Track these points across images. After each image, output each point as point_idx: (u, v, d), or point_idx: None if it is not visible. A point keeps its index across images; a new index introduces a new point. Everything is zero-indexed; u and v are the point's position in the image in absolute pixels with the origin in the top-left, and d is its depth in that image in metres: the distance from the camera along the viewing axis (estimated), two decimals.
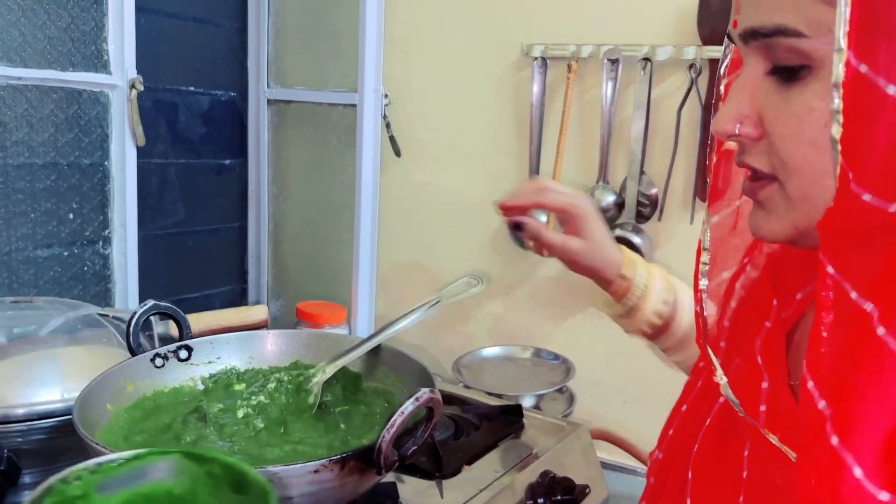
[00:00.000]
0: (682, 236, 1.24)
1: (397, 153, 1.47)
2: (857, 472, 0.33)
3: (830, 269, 0.36)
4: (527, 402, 1.18)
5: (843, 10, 0.33)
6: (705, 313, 0.53)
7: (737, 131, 0.42)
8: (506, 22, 1.35)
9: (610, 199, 1.27)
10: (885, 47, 0.33)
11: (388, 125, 1.47)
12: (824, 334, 0.37)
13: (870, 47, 0.33)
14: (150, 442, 0.73)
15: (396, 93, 1.47)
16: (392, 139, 1.47)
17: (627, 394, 1.31)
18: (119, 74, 1.30)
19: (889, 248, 0.35)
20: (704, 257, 0.53)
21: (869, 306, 0.34)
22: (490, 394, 1.15)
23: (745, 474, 0.44)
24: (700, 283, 0.53)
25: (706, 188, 0.57)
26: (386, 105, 1.46)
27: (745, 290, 0.53)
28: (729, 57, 0.49)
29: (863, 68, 0.33)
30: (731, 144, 0.48)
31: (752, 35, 0.40)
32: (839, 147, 0.34)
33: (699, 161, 1.19)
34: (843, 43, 0.33)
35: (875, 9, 0.33)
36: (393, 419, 0.61)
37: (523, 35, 1.33)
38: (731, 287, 0.54)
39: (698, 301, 0.53)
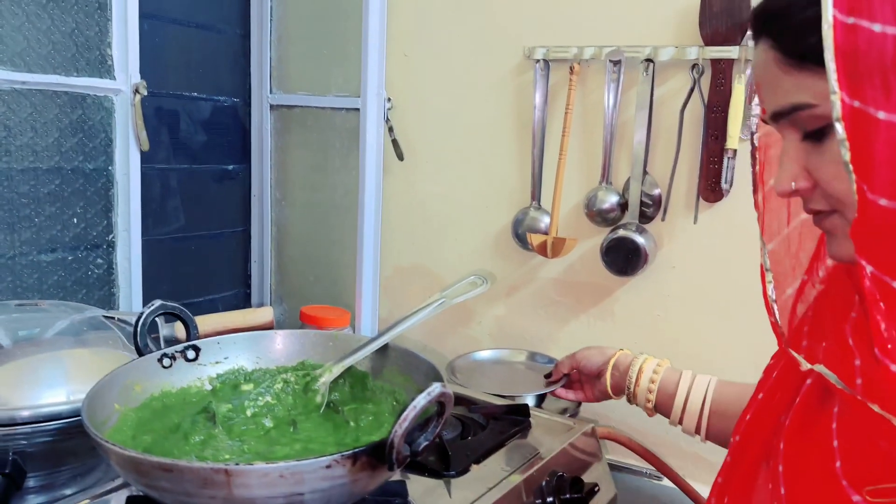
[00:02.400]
0: (686, 236, 1.24)
1: (400, 157, 1.48)
2: None
3: (869, 269, 0.45)
4: (528, 402, 1.17)
5: (831, 66, 0.43)
6: (780, 322, 0.61)
7: (794, 188, 0.52)
8: (507, 25, 1.36)
9: (613, 199, 1.27)
10: (869, 84, 0.43)
11: (390, 129, 1.47)
12: (882, 324, 0.45)
13: (858, 87, 0.43)
14: (158, 442, 0.73)
15: (399, 97, 1.48)
16: (395, 143, 1.47)
17: None
18: (123, 79, 1.30)
19: None
20: (769, 277, 0.61)
21: None
22: (495, 395, 1.15)
23: (835, 443, 0.50)
24: (769, 298, 0.61)
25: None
26: (388, 109, 1.47)
27: (820, 299, 0.62)
28: (757, 134, 0.60)
29: (856, 103, 0.43)
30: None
31: (777, 116, 0.51)
32: (851, 167, 0.44)
33: (702, 161, 1.20)
34: (836, 87, 0.43)
35: (854, 59, 0.43)
36: (405, 413, 0.61)
37: (525, 38, 1.33)
38: (796, 300, 0.63)
39: (770, 312, 0.60)
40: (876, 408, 0.46)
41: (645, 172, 1.23)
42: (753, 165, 0.59)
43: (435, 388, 0.62)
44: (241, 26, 1.57)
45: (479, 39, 1.39)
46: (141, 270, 1.38)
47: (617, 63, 1.22)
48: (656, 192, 1.24)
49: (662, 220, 1.25)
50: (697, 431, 0.92)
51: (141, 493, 0.69)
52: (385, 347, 0.87)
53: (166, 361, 0.83)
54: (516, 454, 0.95)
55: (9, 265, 1.21)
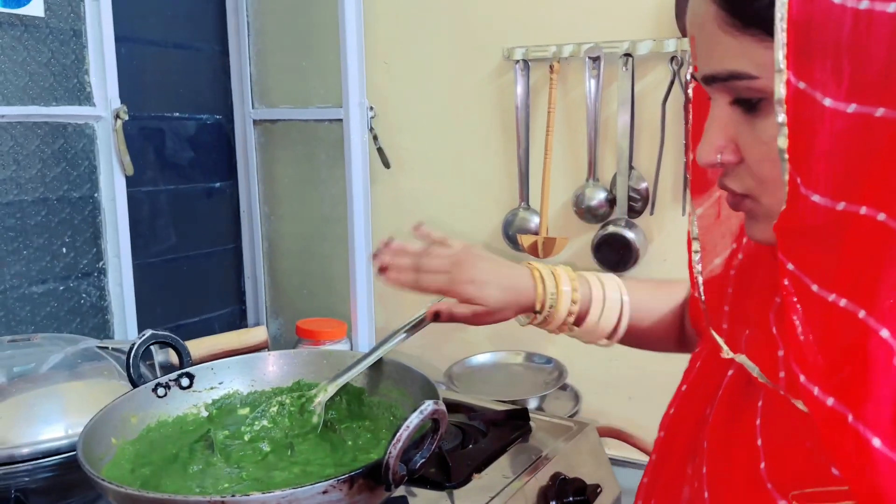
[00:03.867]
0: (675, 229, 1.24)
1: (386, 165, 1.47)
2: (876, 442, 0.37)
3: (790, 266, 0.41)
4: (529, 405, 1.18)
5: (781, 37, 0.39)
6: (703, 298, 0.57)
7: (719, 160, 0.47)
8: (485, 27, 1.35)
9: (601, 195, 1.27)
10: (820, 65, 0.38)
11: (375, 137, 1.47)
12: (798, 327, 0.41)
13: (806, 67, 0.38)
14: (157, 473, 0.73)
15: (381, 105, 1.47)
16: (380, 151, 1.47)
17: (632, 390, 1.31)
18: (103, 105, 1.30)
19: (842, 243, 0.39)
20: (695, 246, 0.57)
21: (832, 296, 0.39)
22: (496, 400, 1.15)
23: (759, 441, 0.47)
24: (695, 270, 0.57)
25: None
26: (372, 118, 1.46)
27: (742, 272, 0.55)
28: (692, 86, 0.54)
29: (801, 85, 0.39)
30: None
31: (711, 79, 0.45)
32: (787, 156, 0.40)
33: (687, 153, 1.20)
34: (783, 64, 0.39)
35: (807, 34, 0.38)
36: (399, 434, 0.61)
37: (503, 39, 1.33)
38: (725, 273, 0.57)
39: (695, 287, 0.57)
40: (800, 404, 0.42)
41: (631, 167, 1.23)
42: (687, 121, 0.53)
43: (427, 406, 0.62)
44: (219, 43, 1.56)
45: (458, 43, 1.39)
46: (134, 295, 1.38)
47: (596, 59, 1.22)
48: (643, 185, 1.24)
49: (651, 213, 1.25)
50: (611, 336, 0.79)
51: None
52: (379, 362, 0.87)
53: (161, 391, 0.83)
54: (517, 460, 0.95)
55: (0, 299, 1.20)
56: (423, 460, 0.65)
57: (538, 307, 0.76)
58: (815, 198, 0.39)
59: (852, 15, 0.37)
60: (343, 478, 0.60)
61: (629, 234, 1.24)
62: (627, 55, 1.20)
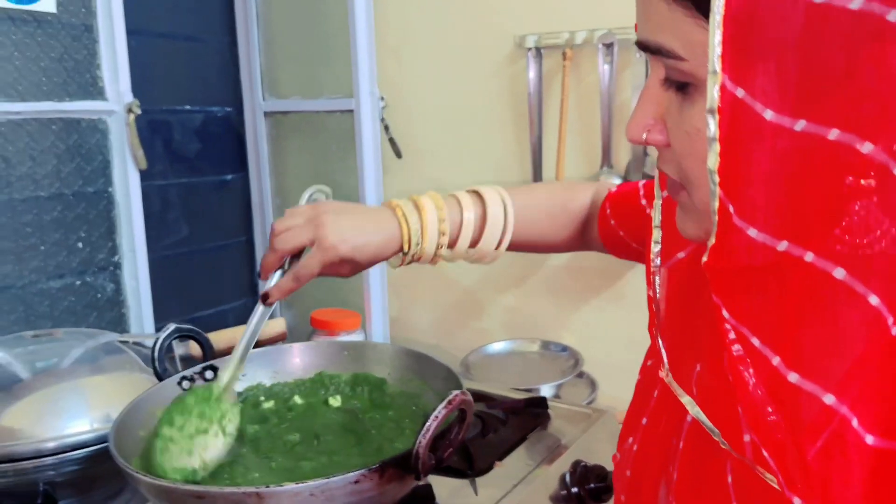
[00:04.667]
0: None
1: (398, 155, 1.47)
2: None
3: (726, 314, 0.35)
4: (546, 393, 1.18)
5: (716, 32, 0.31)
6: (658, 297, 0.49)
7: (644, 138, 0.41)
8: (497, 14, 1.35)
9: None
10: (762, 69, 0.31)
11: (386, 127, 1.47)
12: (750, 384, 0.35)
13: (746, 70, 0.31)
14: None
15: (392, 94, 1.47)
16: (392, 141, 1.47)
17: None
18: (115, 100, 1.30)
19: (782, 293, 0.33)
20: (656, 236, 0.49)
21: (776, 360, 0.33)
22: (513, 389, 1.16)
23: None
24: (652, 263, 0.50)
25: None
26: (383, 108, 1.46)
27: (699, 278, 0.47)
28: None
29: (739, 92, 0.31)
30: None
31: (643, 47, 0.39)
32: (717, 178, 0.32)
33: None
34: (718, 66, 0.31)
35: (749, 29, 0.31)
36: (427, 424, 0.61)
37: (515, 26, 1.33)
38: (685, 269, 0.50)
39: (650, 284, 0.50)
40: (773, 482, 0.35)
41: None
42: None
43: (455, 396, 0.62)
44: (228, 35, 1.56)
45: (469, 30, 1.38)
46: (149, 289, 1.38)
47: (609, 46, 1.22)
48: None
49: None
50: (497, 247, 0.76)
51: None
52: (399, 352, 0.88)
53: (185, 384, 0.83)
54: (538, 447, 0.96)
55: (20, 295, 1.21)
56: (451, 449, 0.66)
57: (405, 247, 0.72)
58: (752, 232, 0.32)
59: (805, 9, 0.30)
60: (374, 467, 0.61)
61: None
62: None
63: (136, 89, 1.32)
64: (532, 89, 1.30)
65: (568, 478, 0.91)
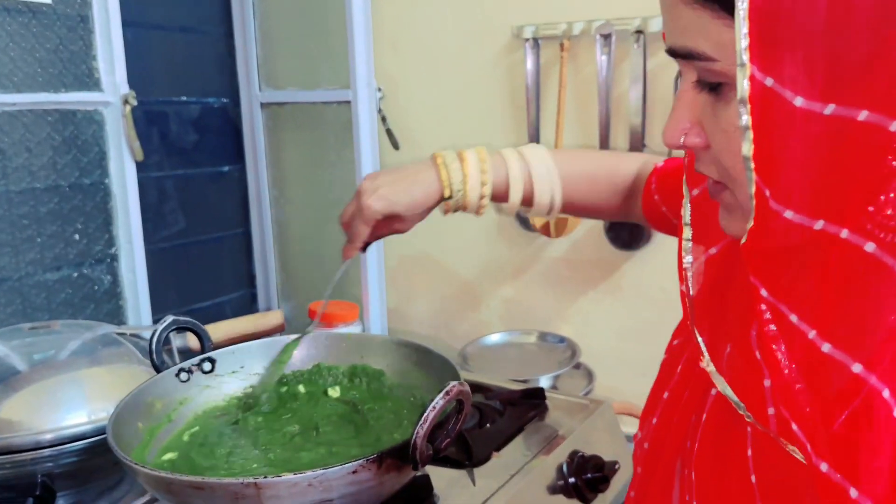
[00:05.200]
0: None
1: (395, 146, 1.47)
2: None
3: (764, 293, 0.36)
4: (543, 384, 1.19)
5: (742, 25, 0.33)
6: (691, 292, 0.50)
7: (683, 143, 0.42)
8: (494, 4, 1.34)
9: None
10: (790, 58, 0.32)
11: (383, 119, 1.46)
12: (782, 361, 0.36)
13: (774, 60, 0.33)
14: (184, 456, 0.74)
15: (389, 86, 1.47)
16: (389, 132, 1.46)
17: (645, 367, 1.31)
18: (111, 91, 1.30)
19: (822, 270, 0.34)
20: (687, 233, 0.51)
21: (812, 333, 0.34)
22: (510, 380, 1.16)
23: (753, 479, 0.42)
24: (684, 260, 0.51)
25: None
26: (380, 99, 1.46)
27: (729, 269, 0.50)
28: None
29: (769, 81, 0.33)
30: None
31: (672, 53, 0.40)
32: (752, 165, 0.34)
33: None
34: (746, 58, 0.33)
35: (775, 20, 0.32)
36: (425, 415, 0.61)
37: (512, 17, 1.32)
38: (717, 263, 0.51)
39: (683, 280, 0.51)
40: (796, 453, 0.37)
41: (643, 145, 1.23)
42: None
43: (452, 387, 0.63)
44: (224, 26, 1.55)
45: (466, 21, 1.38)
46: (147, 280, 1.38)
47: (607, 37, 1.22)
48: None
49: None
50: (549, 212, 0.79)
51: None
52: (397, 343, 0.88)
53: (184, 376, 0.83)
54: (535, 438, 0.96)
55: (16, 287, 1.21)
56: (449, 439, 0.66)
57: (446, 193, 0.77)
58: (788, 214, 0.34)
59: None
60: (372, 457, 0.61)
61: None
62: (639, 32, 1.19)
63: (133, 80, 1.32)
64: (529, 80, 1.30)
65: (565, 468, 0.91)
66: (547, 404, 1.05)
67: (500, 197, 0.79)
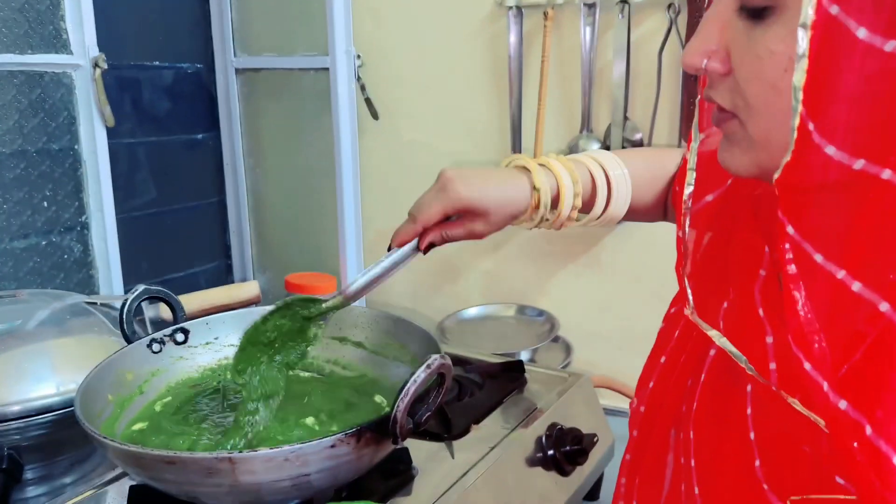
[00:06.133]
0: None
1: (374, 115, 1.44)
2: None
3: (791, 230, 0.35)
4: (521, 357, 1.18)
5: None
6: (686, 237, 0.51)
7: (703, 66, 0.41)
8: None
9: (595, 147, 1.26)
10: None
11: (362, 87, 1.43)
12: (799, 301, 0.36)
13: None
14: (154, 427, 0.72)
15: (369, 53, 1.43)
16: (368, 101, 1.43)
17: (622, 340, 1.32)
18: (80, 53, 1.25)
19: (856, 210, 0.33)
20: (690, 178, 0.50)
21: (841, 273, 0.34)
22: (489, 353, 1.15)
23: (752, 436, 0.42)
24: (684, 205, 0.51)
25: (689, 130, 0.54)
26: (359, 67, 1.42)
27: (728, 220, 0.49)
28: None
29: (834, 9, 0.31)
30: None
31: None
32: (801, 95, 0.33)
33: (682, 103, 1.18)
34: None
35: None
36: (406, 388, 0.60)
37: None
38: (714, 211, 0.52)
39: (680, 225, 0.51)
40: (797, 404, 0.37)
41: (626, 118, 1.22)
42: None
43: (434, 360, 0.61)
44: None
45: None
46: (118, 250, 1.35)
47: (592, 6, 1.19)
48: (638, 136, 1.23)
49: None
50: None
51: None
52: (377, 316, 0.86)
53: (155, 346, 0.81)
54: (514, 411, 0.96)
55: None
56: (429, 413, 0.65)
57: (535, 201, 0.68)
58: (830, 150, 0.33)
59: None
60: (351, 431, 0.60)
61: None
62: (624, 2, 1.17)
63: (103, 43, 1.27)
64: (512, 50, 1.28)
65: (544, 441, 0.91)
66: (526, 377, 1.05)
67: (587, 205, 0.72)
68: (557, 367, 1.19)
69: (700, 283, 0.48)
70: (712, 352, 0.47)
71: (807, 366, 0.35)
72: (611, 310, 1.32)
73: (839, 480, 0.37)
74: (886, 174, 0.32)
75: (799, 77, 0.33)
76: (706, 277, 0.48)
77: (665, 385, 0.53)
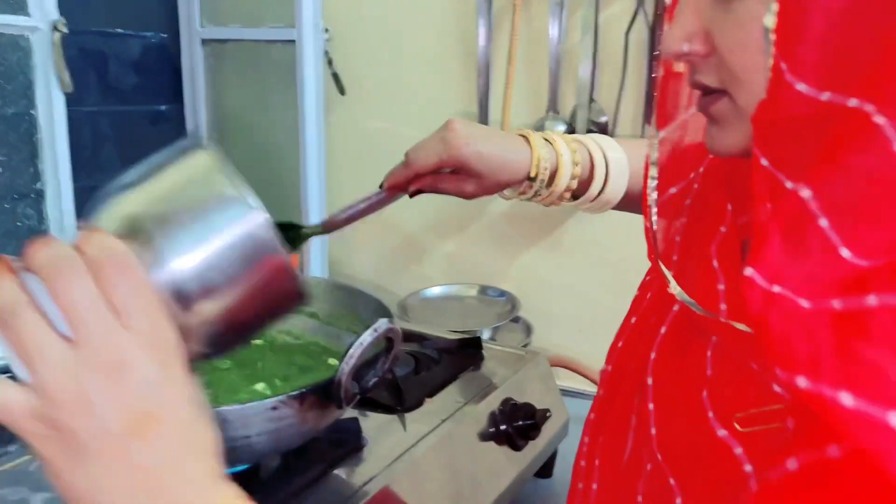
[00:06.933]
0: None
1: (341, 91, 1.43)
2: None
3: (764, 162, 0.36)
4: (482, 336, 1.18)
5: None
6: (654, 227, 0.53)
7: (686, 50, 0.42)
8: None
9: (560, 128, 1.26)
10: None
11: (330, 62, 1.41)
12: (776, 237, 0.36)
13: None
14: None
15: (338, 28, 1.42)
16: (335, 76, 1.42)
17: (582, 322, 1.33)
18: (39, 16, 1.21)
19: (821, 136, 0.34)
20: (653, 172, 0.53)
21: (806, 192, 0.35)
22: (449, 331, 1.15)
23: (709, 372, 0.43)
24: (649, 198, 0.53)
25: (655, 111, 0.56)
26: (327, 41, 1.41)
27: (696, 203, 0.52)
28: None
29: None
30: (681, 66, 0.49)
31: None
32: (772, 37, 0.34)
33: (648, 85, 1.19)
34: None
35: None
36: (351, 351, 0.60)
37: None
38: (679, 202, 0.53)
39: (647, 216, 0.53)
40: (742, 326, 0.39)
41: (592, 100, 1.22)
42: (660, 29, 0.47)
43: (381, 324, 0.61)
44: None
45: None
46: (75, 220, 1.32)
47: None
48: (603, 119, 1.23)
49: None
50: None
51: None
52: (330, 286, 0.86)
53: None
54: (469, 386, 0.96)
55: None
56: (376, 379, 0.65)
57: (532, 172, 0.68)
58: (801, 87, 0.34)
59: None
60: (294, 394, 0.59)
61: None
62: None
63: (64, 8, 1.23)
64: (482, 30, 1.27)
65: (497, 415, 0.91)
66: (483, 354, 1.05)
67: (585, 183, 0.71)
68: (517, 346, 1.19)
69: (678, 258, 0.50)
70: (676, 307, 0.49)
71: (776, 288, 0.35)
72: (572, 292, 1.33)
73: (776, 388, 0.38)
74: (853, 102, 0.33)
75: (770, 20, 0.34)
76: (682, 252, 0.50)
77: (632, 347, 0.54)
